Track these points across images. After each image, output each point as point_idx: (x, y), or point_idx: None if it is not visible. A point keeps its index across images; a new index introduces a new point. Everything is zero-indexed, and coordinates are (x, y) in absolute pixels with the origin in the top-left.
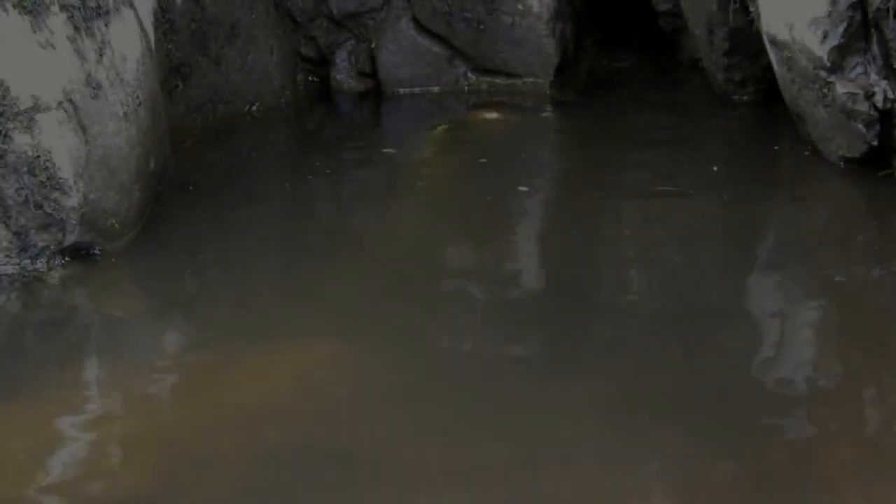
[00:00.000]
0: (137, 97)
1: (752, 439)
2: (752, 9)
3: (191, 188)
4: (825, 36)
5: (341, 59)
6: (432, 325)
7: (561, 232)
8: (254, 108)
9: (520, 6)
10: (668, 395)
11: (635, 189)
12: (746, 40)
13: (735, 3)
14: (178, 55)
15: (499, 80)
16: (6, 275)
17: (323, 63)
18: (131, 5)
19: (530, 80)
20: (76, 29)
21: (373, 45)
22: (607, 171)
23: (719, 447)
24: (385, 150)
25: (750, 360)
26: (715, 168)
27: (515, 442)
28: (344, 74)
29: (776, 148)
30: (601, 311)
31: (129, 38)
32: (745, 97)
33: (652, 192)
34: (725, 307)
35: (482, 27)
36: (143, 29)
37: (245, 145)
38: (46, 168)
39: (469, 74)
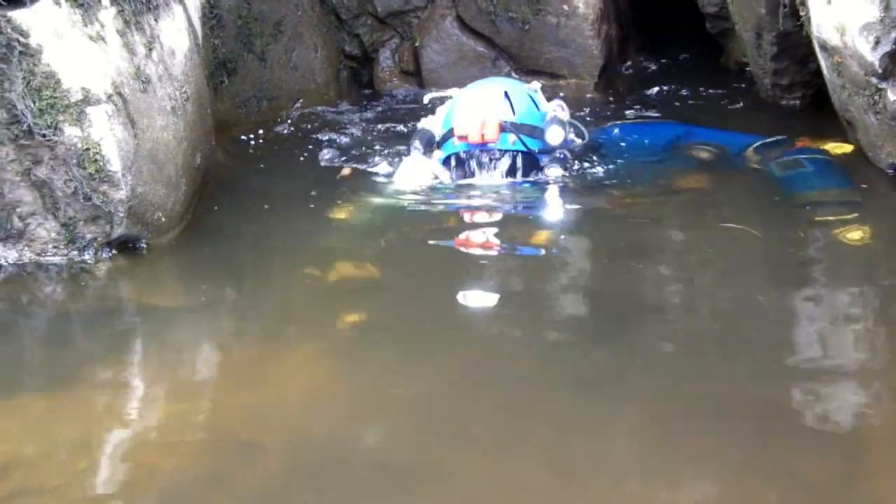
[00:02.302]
0: (185, 92)
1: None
2: (801, 13)
3: (234, 184)
4: (877, 42)
5: (385, 57)
6: (477, 335)
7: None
8: (298, 104)
9: (565, 7)
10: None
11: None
12: (795, 45)
13: (785, 7)
14: (225, 51)
15: (543, 81)
16: (54, 265)
17: (367, 60)
18: (180, 1)
19: (574, 80)
20: (126, 23)
21: (416, 44)
22: (647, 173)
23: (766, 463)
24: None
25: (806, 373)
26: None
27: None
28: (387, 72)
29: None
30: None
31: (177, 33)
32: (793, 102)
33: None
34: (779, 321)
35: (527, 27)
36: (191, 24)
37: (289, 142)
38: (96, 160)
39: (513, 75)
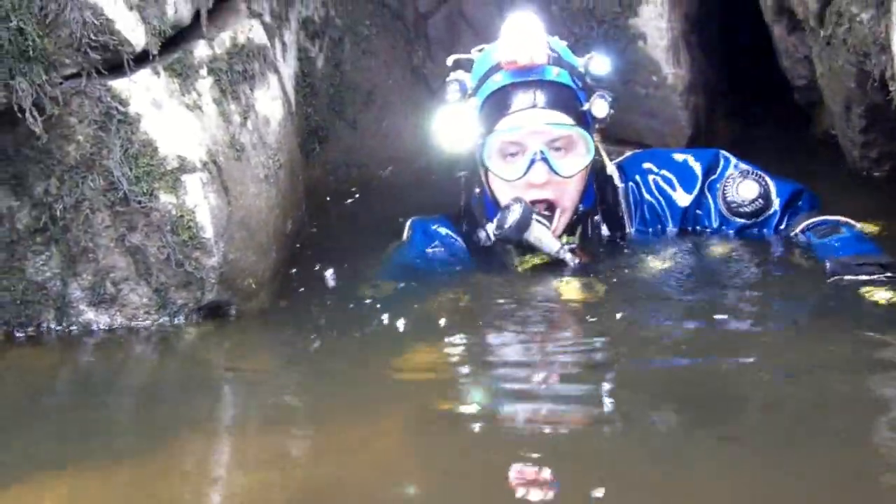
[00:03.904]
0: (278, 160)
1: None
2: (891, 87)
3: (325, 250)
4: None
5: None
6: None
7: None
8: (387, 171)
9: (654, 78)
10: None
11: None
12: (884, 118)
13: (874, 81)
14: (317, 118)
15: (628, 151)
16: (144, 329)
17: None
18: (276, 70)
19: None
20: (223, 92)
21: None
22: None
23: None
24: None
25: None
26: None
27: None
28: None
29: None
30: None
31: (272, 102)
32: (881, 173)
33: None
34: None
35: (616, 97)
36: (285, 93)
37: (378, 209)
38: (189, 227)
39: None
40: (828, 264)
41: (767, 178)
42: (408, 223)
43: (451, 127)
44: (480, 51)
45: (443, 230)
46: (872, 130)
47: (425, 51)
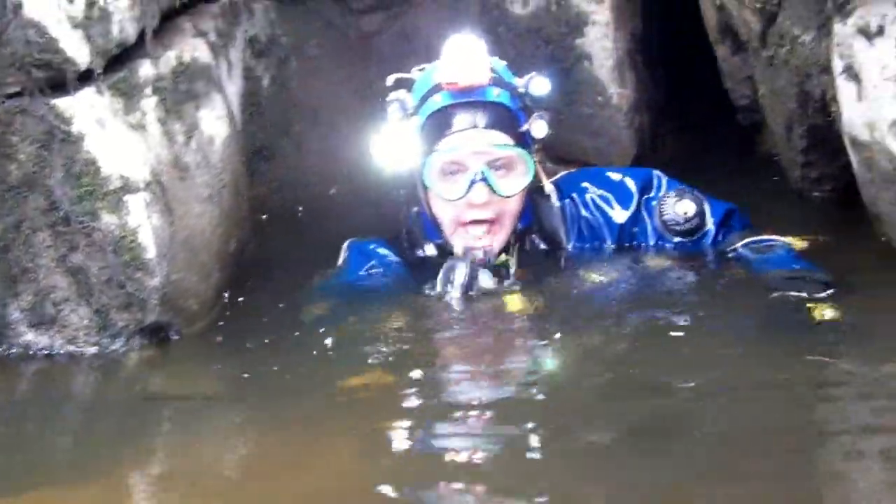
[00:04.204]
0: (222, 179)
1: None
2: (832, 109)
3: (269, 271)
4: None
5: None
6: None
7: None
8: (333, 191)
9: (599, 98)
10: None
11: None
12: (825, 139)
13: (815, 102)
14: (262, 137)
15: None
16: (85, 356)
17: None
18: (221, 89)
19: None
20: (167, 112)
21: None
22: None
23: None
24: None
25: None
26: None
27: None
28: None
29: (851, 245)
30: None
31: (217, 121)
32: (822, 194)
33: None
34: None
35: (561, 117)
36: (230, 112)
37: (324, 229)
38: (131, 248)
39: (547, 164)
40: (770, 279)
41: (702, 197)
42: (344, 245)
43: (391, 146)
44: (421, 70)
45: (380, 250)
46: (813, 151)
47: (372, 70)
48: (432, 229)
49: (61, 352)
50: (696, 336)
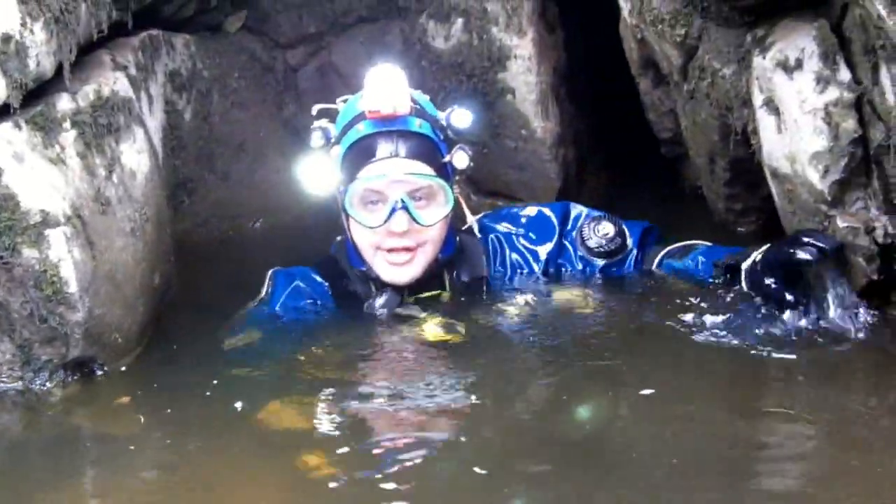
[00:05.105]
0: (145, 213)
1: None
2: (753, 141)
3: (195, 304)
4: (826, 170)
5: None
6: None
7: None
8: (258, 223)
9: (523, 131)
10: None
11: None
12: (747, 171)
13: (737, 134)
14: (185, 171)
15: (500, 203)
16: (8, 393)
17: None
18: (142, 123)
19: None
20: (87, 146)
21: None
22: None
23: None
24: None
25: None
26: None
27: None
28: None
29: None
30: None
31: (138, 155)
32: (746, 227)
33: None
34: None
35: (485, 150)
36: (152, 146)
37: (249, 261)
38: (53, 282)
39: (472, 196)
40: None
41: (618, 220)
42: (268, 274)
43: (314, 173)
44: (345, 101)
45: (304, 280)
46: (736, 184)
47: (296, 103)
48: (356, 257)
49: None
50: (625, 358)
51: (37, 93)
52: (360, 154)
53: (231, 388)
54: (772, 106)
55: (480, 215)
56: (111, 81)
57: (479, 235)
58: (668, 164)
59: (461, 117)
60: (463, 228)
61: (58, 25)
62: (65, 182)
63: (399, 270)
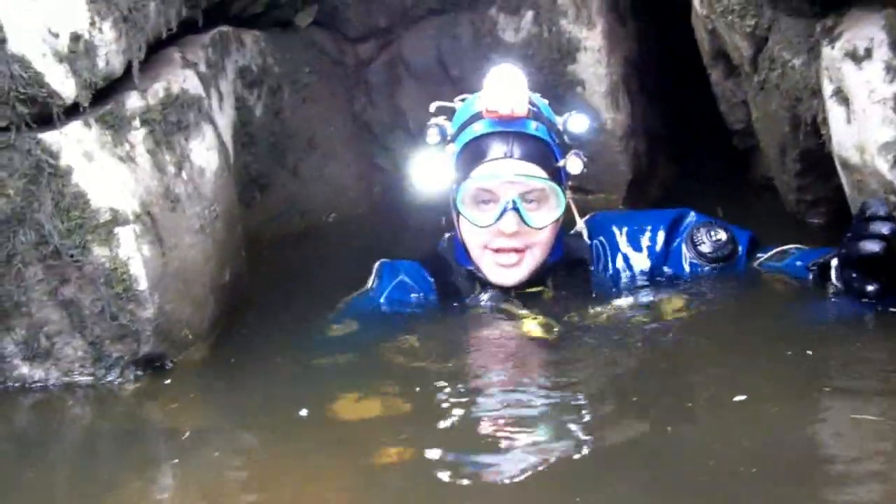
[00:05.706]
0: (214, 210)
1: None
2: (823, 132)
3: (266, 299)
4: (895, 161)
5: None
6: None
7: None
8: (330, 218)
9: (594, 124)
10: None
11: None
12: (818, 162)
13: (807, 125)
14: (256, 167)
15: (571, 195)
16: (80, 386)
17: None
18: (211, 120)
19: (602, 195)
20: (157, 143)
21: None
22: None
23: None
24: None
25: None
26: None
27: None
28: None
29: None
30: None
31: (207, 152)
32: (817, 218)
33: None
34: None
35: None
36: (222, 143)
37: (321, 256)
38: (123, 280)
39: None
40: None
41: (728, 225)
42: (376, 265)
43: (428, 170)
44: (463, 100)
45: (410, 274)
46: (807, 175)
47: (366, 97)
48: (464, 255)
49: (57, 384)
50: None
51: (106, 91)
52: (474, 153)
53: (304, 380)
54: (841, 96)
55: (587, 216)
56: (181, 79)
57: (587, 241)
58: (739, 156)
59: (578, 122)
60: (571, 233)
61: (126, 24)
62: (134, 180)
63: (506, 272)
